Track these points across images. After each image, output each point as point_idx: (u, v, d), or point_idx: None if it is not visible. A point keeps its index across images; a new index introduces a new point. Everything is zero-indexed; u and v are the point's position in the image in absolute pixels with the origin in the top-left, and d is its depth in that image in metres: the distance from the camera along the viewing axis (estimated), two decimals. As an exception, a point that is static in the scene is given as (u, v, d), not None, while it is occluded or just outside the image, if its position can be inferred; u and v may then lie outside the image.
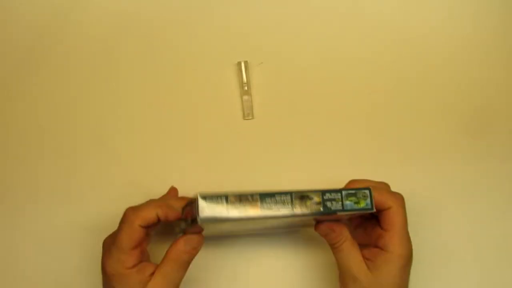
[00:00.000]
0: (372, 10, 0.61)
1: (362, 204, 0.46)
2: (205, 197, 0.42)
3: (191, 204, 0.45)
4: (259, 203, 0.43)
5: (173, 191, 0.55)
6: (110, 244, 0.48)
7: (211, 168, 0.58)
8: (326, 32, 0.61)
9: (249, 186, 0.57)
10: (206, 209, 0.42)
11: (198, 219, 0.42)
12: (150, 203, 0.49)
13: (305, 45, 0.60)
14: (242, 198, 0.43)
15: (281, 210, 0.44)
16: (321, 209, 0.44)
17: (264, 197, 0.43)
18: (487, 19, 0.61)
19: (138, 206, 0.48)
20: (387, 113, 0.59)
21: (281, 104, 0.59)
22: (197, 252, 0.48)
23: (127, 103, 0.59)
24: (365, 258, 0.48)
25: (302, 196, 0.44)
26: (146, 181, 0.57)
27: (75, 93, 0.59)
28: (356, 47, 0.60)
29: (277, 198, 0.44)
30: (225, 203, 0.43)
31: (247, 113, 0.59)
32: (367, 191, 0.46)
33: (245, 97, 0.59)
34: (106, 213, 0.57)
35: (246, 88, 0.59)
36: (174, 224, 0.50)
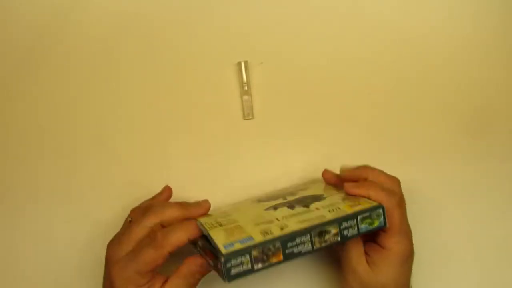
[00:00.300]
0: (372, 10, 0.61)
1: (376, 224, 0.47)
2: (229, 259, 0.42)
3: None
4: (281, 251, 0.44)
5: (167, 191, 0.54)
6: (122, 255, 0.46)
7: (211, 168, 0.58)
8: (326, 32, 0.61)
9: (249, 186, 0.57)
10: (232, 270, 0.42)
11: (226, 280, 0.42)
12: (178, 227, 0.46)
13: (305, 45, 0.60)
14: (265, 249, 0.43)
15: (303, 250, 0.44)
16: (339, 239, 0.46)
17: (286, 243, 0.44)
18: (487, 19, 0.61)
19: (169, 229, 0.46)
20: (387, 113, 0.59)
21: (281, 104, 0.59)
22: (208, 272, 0.48)
23: (127, 103, 0.59)
24: (366, 253, 0.49)
25: (320, 232, 0.45)
26: (146, 181, 0.57)
27: (75, 93, 0.59)
28: (356, 47, 0.60)
29: (297, 240, 0.44)
30: (249, 258, 0.43)
31: (247, 113, 0.59)
32: (380, 210, 0.47)
33: (245, 97, 0.59)
34: (106, 213, 0.57)
35: (246, 88, 0.59)
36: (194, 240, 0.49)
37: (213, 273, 0.47)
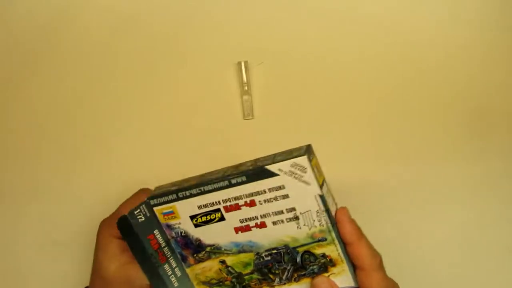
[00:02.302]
0: (372, 11, 0.61)
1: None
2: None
3: None
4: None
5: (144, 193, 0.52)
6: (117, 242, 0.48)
7: (211, 167, 0.58)
8: (326, 32, 0.61)
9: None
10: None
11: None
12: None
13: (305, 45, 0.60)
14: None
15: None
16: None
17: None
18: (487, 19, 0.61)
19: None
20: (387, 113, 0.59)
21: (281, 104, 0.59)
22: None
23: (127, 103, 0.59)
24: None
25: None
26: (146, 181, 0.57)
27: (76, 93, 0.59)
28: (356, 47, 0.60)
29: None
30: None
31: (247, 113, 0.59)
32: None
33: (245, 97, 0.59)
34: (106, 213, 0.57)
35: (246, 88, 0.59)
36: None
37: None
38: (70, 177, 0.58)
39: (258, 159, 0.45)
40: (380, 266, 0.43)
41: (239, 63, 0.59)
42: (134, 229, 0.45)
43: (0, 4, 0.61)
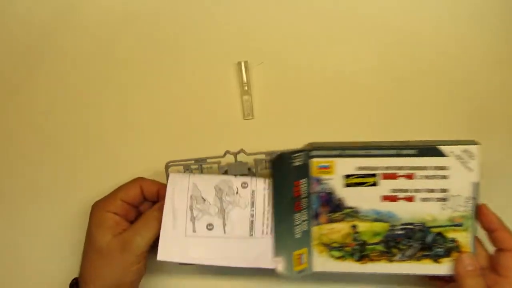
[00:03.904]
0: (372, 10, 0.61)
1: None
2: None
3: None
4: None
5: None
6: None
7: (211, 168, 0.58)
8: (326, 32, 0.60)
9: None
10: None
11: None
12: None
13: (305, 45, 0.60)
14: None
15: None
16: None
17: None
18: (487, 19, 0.61)
19: None
20: (387, 112, 0.59)
21: (281, 104, 0.59)
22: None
23: (127, 102, 0.59)
24: None
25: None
26: (146, 181, 0.58)
27: (76, 92, 0.59)
28: (356, 47, 0.60)
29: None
30: None
31: (247, 113, 0.59)
32: None
33: (245, 97, 0.59)
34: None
35: (246, 88, 0.59)
36: None
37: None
38: (70, 177, 0.58)
39: (421, 141, 0.49)
40: None
41: (239, 63, 0.59)
42: (286, 170, 0.47)
43: (0, 4, 0.61)
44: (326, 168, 0.48)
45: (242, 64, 0.59)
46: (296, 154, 0.48)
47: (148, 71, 0.60)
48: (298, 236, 0.48)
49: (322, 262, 0.49)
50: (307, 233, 0.49)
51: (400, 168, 0.48)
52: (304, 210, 0.49)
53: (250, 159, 0.52)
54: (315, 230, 0.49)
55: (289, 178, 0.48)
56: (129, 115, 0.59)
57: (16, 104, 0.59)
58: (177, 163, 0.52)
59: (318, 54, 0.60)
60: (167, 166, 0.52)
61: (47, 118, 0.59)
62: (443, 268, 0.48)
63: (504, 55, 0.60)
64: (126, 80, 0.60)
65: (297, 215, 0.48)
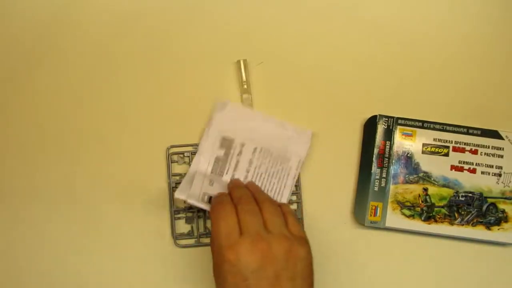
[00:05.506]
0: (372, 10, 0.60)
1: None
2: None
3: None
4: None
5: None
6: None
7: (211, 167, 0.58)
8: (326, 31, 0.60)
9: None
10: None
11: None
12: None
13: (305, 44, 0.60)
14: None
15: None
16: None
17: None
18: (487, 19, 0.61)
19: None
20: (387, 112, 0.59)
21: (281, 102, 0.59)
22: None
23: (127, 102, 0.59)
24: None
25: None
26: (146, 181, 0.57)
27: (76, 92, 0.59)
28: (356, 47, 0.60)
29: None
30: None
31: (247, 112, 0.59)
32: None
33: (245, 96, 0.59)
34: (106, 213, 0.57)
35: (245, 86, 0.59)
36: None
37: None
38: (70, 177, 0.58)
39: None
40: None
41: (238, 62, 0.59)
42: (376, 130, 0.57)
43: (0, 4, 0.61)
44: (409, 136, 0.57)
45: (241, 62, 0.59)
46: (386, 119, 0.57)
47: (148, 70, 0.60)
48: (376, 189, 0.56)
49: (394, 219, 0.56)
50: (384, 189, 0.56)
51: (467, 144, 0.57)
52: (385, 168, 0.56)
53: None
54: (392, 188, 0.56)
55: (378, 136, 0.57)
56: (128, 113, 0.59)
57: (16, 104, 0.59)
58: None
59: (318, 52, 0.60)
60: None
61: (47, 118, 0.59)
62: (493, 235, 0.56)
63: (504, 55, 0.60)
64: (126, 79, 0.60)
65: (378, 171, 0.56)
